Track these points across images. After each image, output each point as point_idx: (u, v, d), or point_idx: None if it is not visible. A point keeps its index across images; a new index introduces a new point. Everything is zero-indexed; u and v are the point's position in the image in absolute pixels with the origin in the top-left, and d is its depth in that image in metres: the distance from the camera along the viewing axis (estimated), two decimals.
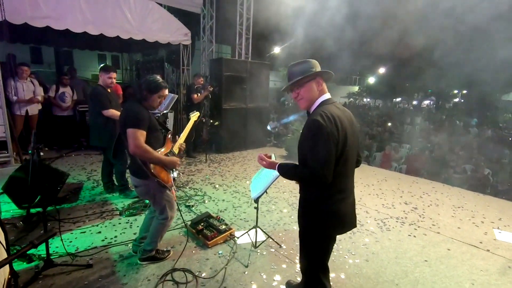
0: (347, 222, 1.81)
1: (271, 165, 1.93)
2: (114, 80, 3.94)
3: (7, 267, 2.18)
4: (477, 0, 7.02)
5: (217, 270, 2.60)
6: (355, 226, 1.87)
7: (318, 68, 1.77)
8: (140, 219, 3.42)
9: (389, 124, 13.02)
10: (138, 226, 3.14)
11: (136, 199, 3.92)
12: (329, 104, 1.72)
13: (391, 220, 3.85)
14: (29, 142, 5.42)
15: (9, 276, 2.23)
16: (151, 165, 2.25)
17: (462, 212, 4.24)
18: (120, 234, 3.15)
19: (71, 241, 2.95)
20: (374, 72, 27.98)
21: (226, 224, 3.21)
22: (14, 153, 4.85)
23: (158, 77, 2.39)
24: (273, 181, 2.59)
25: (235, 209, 3.93)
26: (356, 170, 1.95)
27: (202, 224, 3.19)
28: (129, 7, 5.70)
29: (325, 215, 1.73)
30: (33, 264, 2.54)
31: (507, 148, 8.98)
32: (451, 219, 3.97)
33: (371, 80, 29.67)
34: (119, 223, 3.39)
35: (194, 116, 3.14)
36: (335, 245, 3.09)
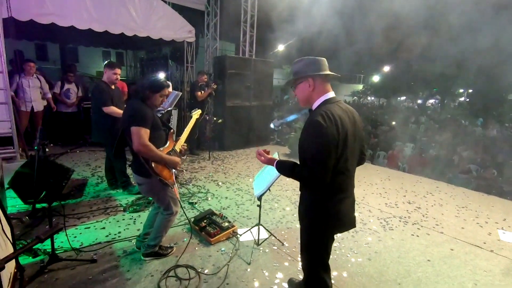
0: (347, 222, 1.81)
1: (269, 161, 1.93)
2: (119, 76, 3.96)
3: (13, 261, 2.22)
4: None
5: (220, 267, 2.61)
6: (354, 226, 1.87)
7: (316, 65, 1.73)
8: (144, 215, 3.45)
9: (394, 123, 12.91)
10: (141, 222, 3.17)
11: (139, 196, 3.95)
12: (332, 103, 1.71)
13: (394, 219, 3.83)
14: (34, 138, 5.47)
15: (15, 270, 2.27)
16: (153, 164, 2.27)
17: (466, 212, 4.20)
18: (124, 230, 3.18)
19: (75, 236, 2.99)
20: (379, 70, 27.80)
21: (229, 222, 3.23)
22: (20, 149, 4.90)
23: (160, 76, 2.40)
24: (276, 179, 2.60)
25: (238, 207, 3.95)
26: (359, 168, 1.95)
27: (205, 221, 3.21)
28: (134, 4, 5.73)
29: (325, 215, 1.73)
30: (38, 258, 2.57)
31: None
32: (455, 219, 3.95)
33: (376, 78, 29.45)
34: (123, 219, 3.42)
35: (196, 114, 3.15)
36: (337, 243, 3.13)
